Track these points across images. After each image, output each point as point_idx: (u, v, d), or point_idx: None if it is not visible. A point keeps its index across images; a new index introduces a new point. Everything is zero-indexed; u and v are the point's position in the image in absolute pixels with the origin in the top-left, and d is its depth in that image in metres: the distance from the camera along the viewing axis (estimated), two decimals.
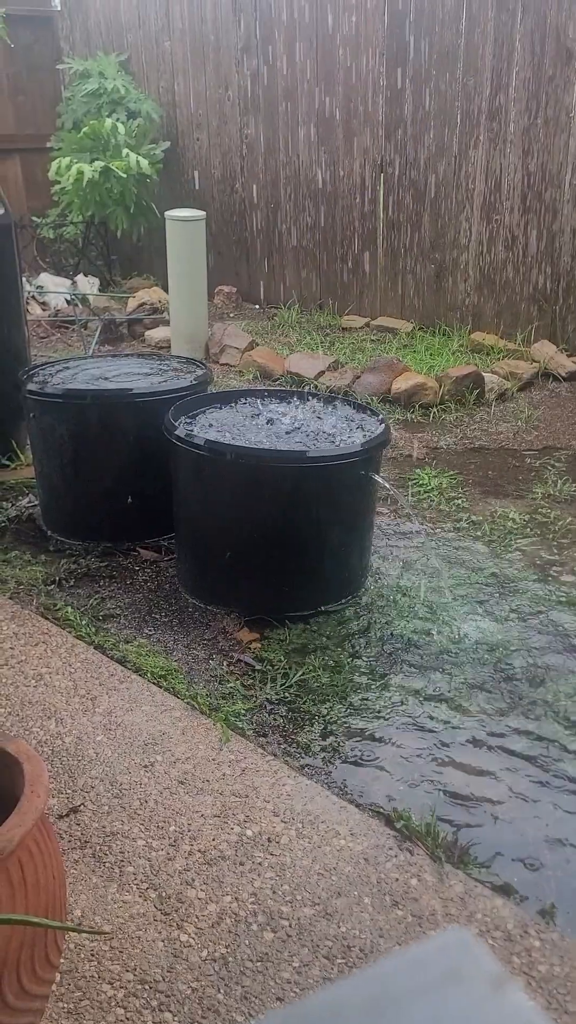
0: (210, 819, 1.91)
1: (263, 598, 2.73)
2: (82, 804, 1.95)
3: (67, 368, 3.40)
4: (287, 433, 2.80)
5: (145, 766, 2.06)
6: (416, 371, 4.79)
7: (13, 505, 3.45)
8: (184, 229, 5.27)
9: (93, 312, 6.20)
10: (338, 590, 2.80)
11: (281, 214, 6.41)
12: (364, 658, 2.53)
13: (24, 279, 4.83)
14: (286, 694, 2.37)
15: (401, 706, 2.34)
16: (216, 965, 1.58)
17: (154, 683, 2.37)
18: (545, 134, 4.95)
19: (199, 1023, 1.48)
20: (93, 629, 2.64)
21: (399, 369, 4.72)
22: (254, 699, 2.35)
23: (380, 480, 2.74)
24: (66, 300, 6.49)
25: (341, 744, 2.20)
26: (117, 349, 5.66)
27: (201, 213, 5.42)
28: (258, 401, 3.07)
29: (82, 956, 1.59)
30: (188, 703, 2.29)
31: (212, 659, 2.53)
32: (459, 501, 3.55)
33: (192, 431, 2.73)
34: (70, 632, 2.62)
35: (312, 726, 2.26)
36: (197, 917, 1.67)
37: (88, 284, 6.82)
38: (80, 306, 6.33)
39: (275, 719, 2.28)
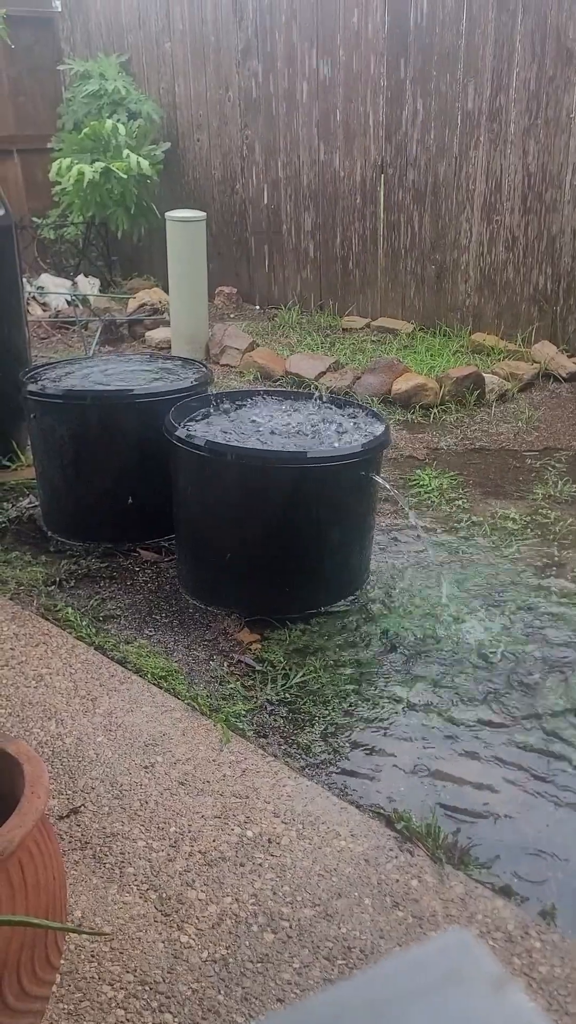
0: (211, 820, 1.91)
1: (263, 599, 2.73)
2: (82, 805, 1.95)
3: (68, 369, 3.40)
4: (287, 434, 2.80)
5: (145, 767, 2.06)
6: (416, 372, 4.79)
7: (14, 506, 3.45)
8: (184, 230, 5.28)
9: (94, 313, 6.20)
10: (338, 591, 2.79)
11: (282, 215, 6.41)
12: (364, 658, 2.53)
13: (25, 280, 4.83)
14: (286, 695, 2.37)
15: (402, 707, 2.33)
16: (216, 966, 1.58)
17: (154, 684, 2.37)
18: (545, 135, 4.95)
19: None
20: (93, 630, 2.64)
21: (399, 370, 4.72)
22: (255, 700, 2.34)
23: (380, 481, 2.74)
24: (67, 301, 6.49)
25: (342, 745, 2.19)
26: (118, 350, 5.67)
27: (201, 214, 5.42)
28: (259, 401, 3.07)
29: (82, 957, 1.59)
30: (189, 704, 2.28)
31: (212, 660, 2.53)
32: (460, 502, 3.55)
33: (193, 432, 2.73)
34: (70, 633, 2.62)
35: (313, 727, 2.25)
36: (197, 918, 1.67)
37: (88, 285, 6.82)
38: (80, 307, 6.34)
39: (276, 720, 2.28)
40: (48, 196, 6.90)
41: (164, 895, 1.72)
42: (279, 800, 1.97)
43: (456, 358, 5.19)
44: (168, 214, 5.33)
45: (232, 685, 2.40)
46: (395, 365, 4.75)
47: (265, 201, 6.47)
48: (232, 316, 6.46)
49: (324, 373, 4.88)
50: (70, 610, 2.73)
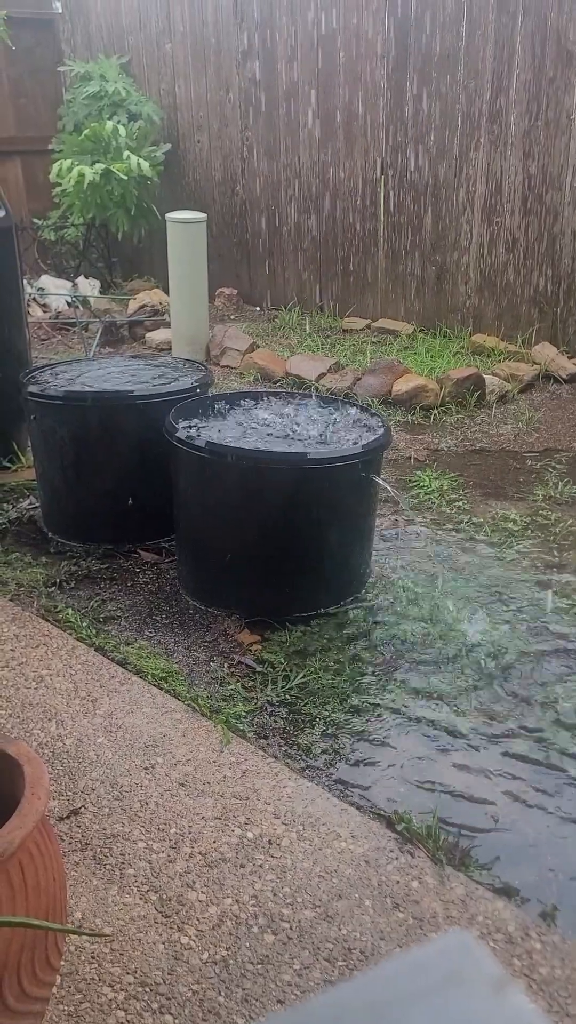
0: (211, 821, 1.91)
1: (264, 600, 2.73)
2: (83, 806, 1.95)
3: (68, 370, 3.40)
4: (287, 435, 2.80)
5: (146, 768, 2.06)
6: (417, 373, 4.79)
7: (14, 507, 3.45)
8: (185, 231, 5.28)
9: (94, 314, 6.21)
10: (339, 592, 2.79)
11: (282, 216, 6.41)
12: (365, 660, 2.53)
13: (25, 281, 4.83)
14: (287, 696, 2.37)
15: (402, 708, 2.33)
16: (217, 967, 1.58)
17: (155, 685, 2.37)
18: (546, 136, 4.95)
19: None
20: (94, 631, 2.63)
21: (400, 371, 4.72)
22: (255, 701, 2.34)
23: (380, 482, 2.74)
24: (67, 302, 6.49)
25: (342, 746, 2.19)
26: (118, 351, 5.67)
27: (202, 215, 5.42)
28: (260, 402, 3.07)
29: (82, 958, 1.59)
30: (189, 705, 2.28)
31: (213, 661, 2.53)
32: (460, 503, 3.55)
33: (193, 433, 2.73)
34: (71, 634, 2.62)
35: (313, 728, 2.25)
36: (198, 919, 1.67)
37: (89, 286, 6.83)
38: (81, 308, 6.34)
39: (276, 721, 2.28)
40: (48, 197, 6.90)
41: (164, 896, 1.72)
42: (279, 801, 1.96)
43: (456, 359, 5.19)
44: (168, 215, 5.34)
45: (232, 686, 2.40)
46: (395, 366, 4.75)
47: (265, 202, 6.47)
48: (232, 317, 6.47)
49: (324, 374, 4.88)
50: (70, 611, 2.73)
